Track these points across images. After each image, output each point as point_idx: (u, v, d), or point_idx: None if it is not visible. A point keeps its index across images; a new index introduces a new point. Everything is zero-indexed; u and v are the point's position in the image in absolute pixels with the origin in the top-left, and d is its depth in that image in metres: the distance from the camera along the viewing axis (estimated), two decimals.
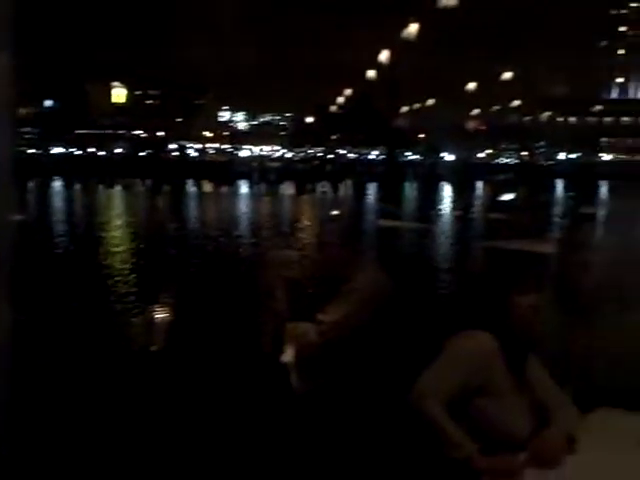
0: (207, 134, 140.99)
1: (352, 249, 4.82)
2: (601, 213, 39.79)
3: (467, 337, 3.22)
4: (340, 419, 4.44)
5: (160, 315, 11.71)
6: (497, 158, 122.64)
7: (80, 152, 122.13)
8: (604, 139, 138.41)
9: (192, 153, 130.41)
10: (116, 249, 24.15)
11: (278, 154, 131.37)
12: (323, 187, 53.63)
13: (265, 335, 5.25)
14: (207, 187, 67.86)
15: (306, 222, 32.59)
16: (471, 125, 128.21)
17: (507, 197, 33.99)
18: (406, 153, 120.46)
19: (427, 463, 3.08)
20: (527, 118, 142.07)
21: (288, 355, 4.76)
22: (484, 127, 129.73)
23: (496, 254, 14.88)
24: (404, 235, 27.05)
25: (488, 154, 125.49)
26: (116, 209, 46.38)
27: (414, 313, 10.87)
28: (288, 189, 59.72)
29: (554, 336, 3.94)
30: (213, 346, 10.47)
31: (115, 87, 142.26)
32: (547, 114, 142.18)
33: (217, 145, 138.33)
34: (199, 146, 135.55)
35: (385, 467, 4.22)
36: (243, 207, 46.29)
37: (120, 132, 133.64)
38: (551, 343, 3.88)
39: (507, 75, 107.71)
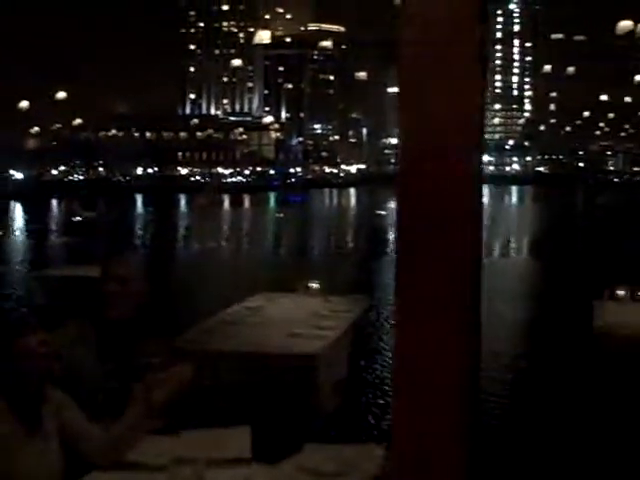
0: None
1: None
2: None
3: None
4: None
5: None
6: (71, 175, 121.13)
7: None
8: (180, 153, 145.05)
9: None
10: None
11: None
12: None
13: None
14: None
15: None
16: (32, 143, 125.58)
17: (82, 217, 33.61)
18: None
19: None
20: (101, 134, 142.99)
21: None
22: (55, 143, 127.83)
23: (42, 286, 14.27)
24: None
25: (61, 171, 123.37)
26: None
27: None
28: None
29: (91, 372, 3.84)
30: None
31: None
32: (117, 130, 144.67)
33: None
34: None
35: None
36: None
37: None
38: (88, 379, 3.80)
39: (62, 94, 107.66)
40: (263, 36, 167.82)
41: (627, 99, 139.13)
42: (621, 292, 10.68)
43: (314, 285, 10.01)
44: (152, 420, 3.59)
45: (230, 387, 5.77)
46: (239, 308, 7.54)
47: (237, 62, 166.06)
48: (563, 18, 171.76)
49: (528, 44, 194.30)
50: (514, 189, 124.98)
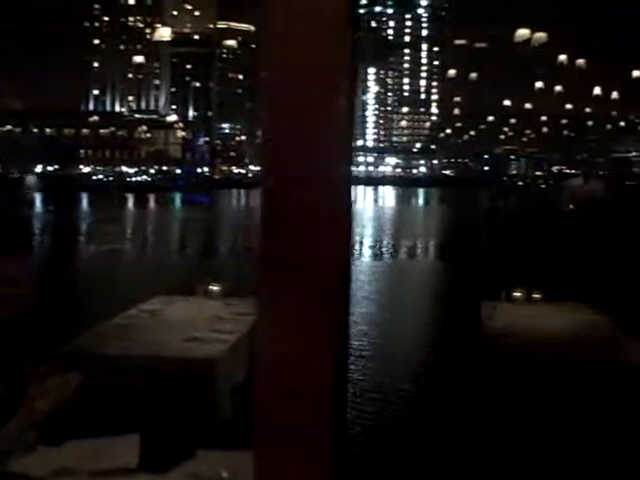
0: None
1: None
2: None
3: None
4: None
5: None
6: None
7: None
8: (82, 151, 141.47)
9: None
10: None
11: None
12: None
13: None
14: None
15: None
16: None
17: None
18: None
19: None
20: None
21: None
22: None
23: None
24: None
25: None
26: None
27: None
28: None
29: None
30: None
31: None
32: (13, 126, 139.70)
33: None
34: None
35: None
36: None
37: None
38: None
39: None
40: (163, 33, 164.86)
41: (528, 105, 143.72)
42: (517, 293, 11.03)
43: (215, 287, 9.91)
44: (36, 430, 3.49)
45: (124, 393, 5.66)
46: (136, 311, 7.41)
47: (139, 59, 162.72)
48: (466, 25, 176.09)
49: (436, 48, 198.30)
50: (421, 191, 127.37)
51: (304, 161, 1.59)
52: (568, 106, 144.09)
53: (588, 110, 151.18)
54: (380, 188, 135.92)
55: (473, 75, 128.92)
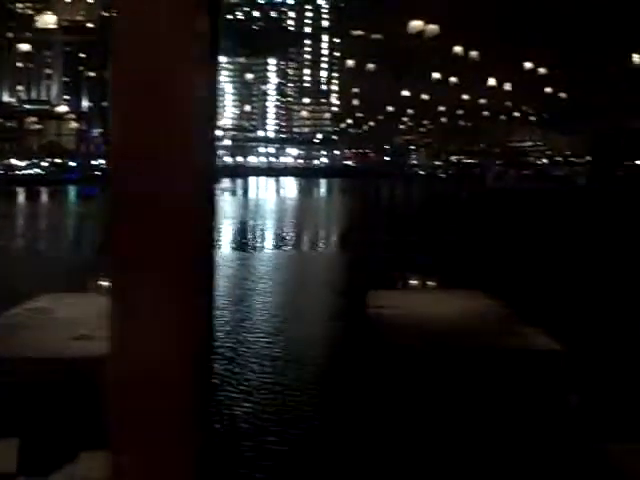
0: None
1: None
2: None
3: None
4: None
5: None
6: None
7: None
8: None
9: None
10: None
11: None
12: None
13: None
14: None
15: None
16: None
17: None
18: None
19: None
20: None
21: None
22: None
23: None
24: None
25: None
26: None
27: None
28: None
29: None
30: None
31: None
32: None
33: None
34: None
35: None
36: None
37: None
38: None
39: None
40: (48, 20, 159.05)
41: (425, 96, 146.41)
42: (411, 281, 11.26)
43: (106, 283, 9.70)
44: None
45: (3, 396, 5.48)
46: (20, 310, 7.17)
47: (25, 47, 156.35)
48: (361, 15, 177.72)
49: (336, 40, 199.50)
50: (323, 182, 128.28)
51: (159, 153, 1.57)
52: (464, 97, 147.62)
53: (483, 101, 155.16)
54: (282, 179, 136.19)
55: (371, 66, 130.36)
